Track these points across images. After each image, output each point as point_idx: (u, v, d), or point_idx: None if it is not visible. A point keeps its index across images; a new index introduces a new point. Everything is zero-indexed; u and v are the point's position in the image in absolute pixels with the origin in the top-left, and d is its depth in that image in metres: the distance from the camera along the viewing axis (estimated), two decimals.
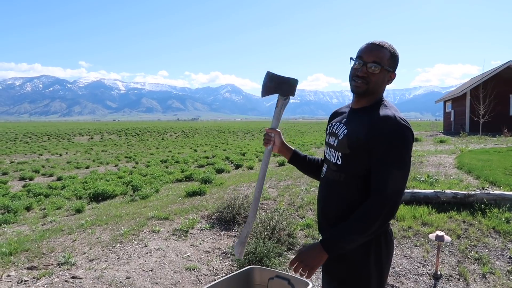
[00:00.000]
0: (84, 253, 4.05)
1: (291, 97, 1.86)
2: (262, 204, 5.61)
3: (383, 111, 1.53)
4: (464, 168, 7.41)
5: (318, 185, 1.82)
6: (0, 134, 49.99)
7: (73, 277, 3.43)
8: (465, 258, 3.87)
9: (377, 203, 1.42)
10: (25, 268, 3.69)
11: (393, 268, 3.73)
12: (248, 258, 3.65)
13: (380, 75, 1.56)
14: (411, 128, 1.49)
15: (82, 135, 50.43)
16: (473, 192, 5.02)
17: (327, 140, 1.76)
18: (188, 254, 4.06)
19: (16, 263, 3.80)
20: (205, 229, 4.78)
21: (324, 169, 1.74)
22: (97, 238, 4.57)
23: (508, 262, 3.77)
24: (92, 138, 46.19)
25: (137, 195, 8.39)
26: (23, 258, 3.94)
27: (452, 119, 27.95)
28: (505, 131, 18.77)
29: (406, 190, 5.29)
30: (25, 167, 17.39)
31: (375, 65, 1.54)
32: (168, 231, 4.70)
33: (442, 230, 4.22)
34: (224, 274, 3.68)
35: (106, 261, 3.83)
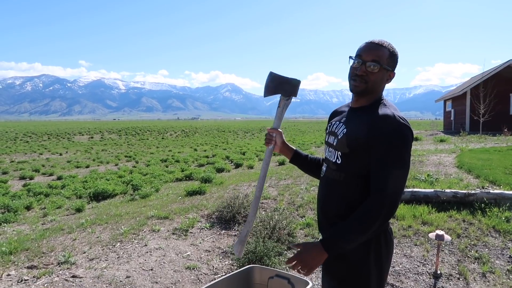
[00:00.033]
0: (84, 252, 4.05)
1: (293, 97, 1.87)
2: (262, 203, 5.61)
3: (382, 110, 1.52)
4: (464, 167, 7.41)
5: (318, 184, 1.82)
6: (0, 134, 50.00)
7: (73, 276, 3.43)
8: (465, 257, 3.87)
9: (377, 203, 1.42)
10: (25, 267, 3.69)
11: (393, 267, 3.73)
12: (248, 257, 3.65)
13: (379, 74, 1.56)
14: (410, 127, 1.49)
15: (82, 135, 50.43)
16: (473, 191, 5.01)
17: (326, 139, 1.76)
18: (188, 253, 4.06)
19: (16, 262, 3.80)
20: (205, 228, 4.78)
21: (324, 168, 1.74)
22: (97, 237, 4.57)
23: (508, 261, 3.77)
24: (92, 138, 46.19)
25: (137, 194, 8.40)
26: (23, 257, 3.94)
27: (452, 118, 27.95)
28: (505, 130, 18.76)
29: (406, 189, 5.30)
30: (25, 166, 17.39)
31: (374, 64, 1.54)
32: (168, 230, 4.70)
33: (442, 229, 4.22)
34: (224, 273, 3.69)
35: (106, 260, 3.83)
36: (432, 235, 3.56)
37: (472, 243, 4.10)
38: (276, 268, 3.43)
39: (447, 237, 3.49)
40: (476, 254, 3.89)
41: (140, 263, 3.77)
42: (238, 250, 1.79)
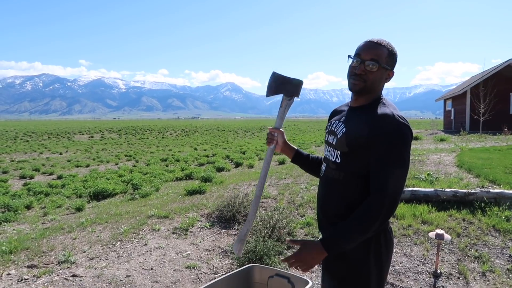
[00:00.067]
0: (84, 252, 4.06)
1: (295, 97, 1.87)
2: (262, 202, 5.61)
3: (381, 110, 1.52)
4: (464, 166, 7.41)
5: (318, 184, 1.82)
6: (1, 133, 50.00)
7: (73, 276, 3.43)
8: (465, 257, 3.87)
9: (377, 202, 1.42)
10: (25, 266, 3.70)
11: (393, 266, 3.74)
12: (248, 257, 3.65)
13: (378, 73, 1.56)
14: (409, 126, 1.49)
15: (82, 134, 50.43)
16: (473, 191, 5.01)
17: (326, 139, 1.76)
18: (188, 253, 4.07)
19: (16, 262, 3.80)
20: (205, 228, 4.79)
21: (323, 167, 1.74)
22: (97, 236, 4.57)
23: (508, 261, 3.77)
24: (92, 137, 46.20)
25: (137, 194, 8.40)
26: (23, 257, 3.95)
27: (452, 117, 27.94)
28: (505, 129, 18.76)
29: (406, 189, 5.30)
30: (25, 165, 17.40)
31: (372, 63, 1.54)
32: (168, 230, 4.70)
33: (442, 229, 4.23)
34: (224, 273, 3.69)
35: (106, 259, 3.84)
36: (432, 234, 3.56)
37: (472, 242, 4.10)
38: (276, 267, 3.43)
39: (447, 236, 3.49)
40: (476, 253, 3.89)
41: (140, 262, 3.77)
42: (237, 249, 1.79)
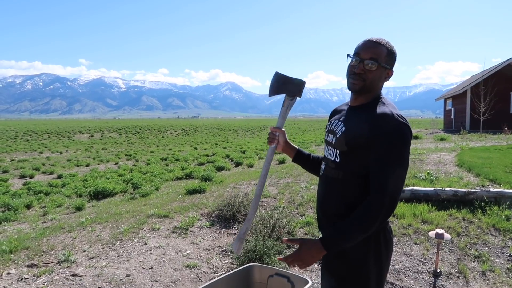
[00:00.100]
0: (84, 251, 4.06)
1: (297, 97, 1.88)
2: (262, 202, 5.61)
3: (380, 109, 1.52)
4: (464, 165, 7.40)
5: (318, 183, 1.82)
6: (1, 132, 50.01)
7: (73, 275, 3.44)
8: (464, 256, 3.87)
9: (377, 202, 1.42)
10: (25, 265, 3.70)
11: (393, 265, 3.74)
12: (247, 256, 3.65)
13: (377, 72, 1.56)
14: (409, 125, 1.49)
15: (83, 133, 50.43)
16: (473, 190, 5.01)
17: (326, 138, 1.76)
18: (188, 252, 4.07)
19: (16, 261, 3.80)
20: (205, 227, 4.79)
21: (323, 166, 1.74)
22: (97, 236, 4.57)
23: (508, 260, 3.77)
24: (92, 136, 46.20)
25: (137, 193, 8.40)
26: (23, 256, 3.95)
27: (452, 116, 27.93)
28: (506, 128, 18.76)
29: (406, 188, 5.30)
30: (25, 165, 17.41)
31: (372, 62, 1.54)
32: (168, 229, 4.70)
33: (442, 228, 4.23)
34: (224, 272, 3.69)
35: (106, 258, 3.84)
36: (432, 234, 3.56)
37: (472, 241, 4.10)
38: (276, 266, 3.43)
39: (447, 236, 3.49)
40: (476, 253, 3.89)
41: (140, 261, 3.77)
42: (236, 248, 1.79)
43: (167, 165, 15.69)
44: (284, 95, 1.88)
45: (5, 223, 6.42)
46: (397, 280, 3.52)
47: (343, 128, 1.60)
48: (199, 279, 3.55)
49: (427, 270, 3.66)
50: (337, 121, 1.69)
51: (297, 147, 1.97)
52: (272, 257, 3.67)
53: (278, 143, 1.88)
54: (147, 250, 4.04)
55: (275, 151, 1.90)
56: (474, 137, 16.39)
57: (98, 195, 8.79)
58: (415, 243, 4.14)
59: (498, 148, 10.77)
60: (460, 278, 3.53)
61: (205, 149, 24.19)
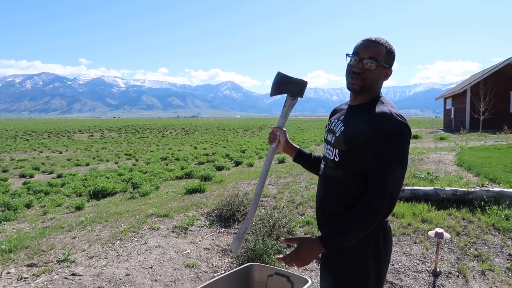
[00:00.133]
0: (84, 250, 4.06)
1: (298, 97, 1.88)
2: (262, 201, 5.61)
3: (380, 108, 1.52)
4: (464, 165, 7.40)
5: (317, 182, 1.82)
6: (0, 132, 49.99)
7: (72, 274, 3.43)
8: (464, 255, 3.88)
9: (377, 201, 1.42)
10: (25, 265, 3.70)
11: (392, 265, 3.74)
12: (247, 255, 3.65)
13: (376, 71, 1.56)
14: (408, 124, 1.49)
15: (82, 133, 50.41)
16: (472, 189, 5.01)
17: (325, 137, 1.77)
18: (187, 251, 4.07)
19: (16, 260, 3.80)
20: (205, 226, 4.79)
21: (322, 166, 1.74)
22: (97, 235, 4.57)
23: (507, 259, 3.77)
24: (92, 136, 46.19)
25: (137, 193, 8.40)
26: (23, 255, 3.95)
27: (452, 116, 27.93)
28: (505, 128, 18.77)
29: (406, 187, 5.30)
30: (25, 164, 17.40)
31: (371, 61, 1.54)
32: (167, 228, 4.70)
33: (441, 227, 4.23)
34: (223, 271, 3.69)
35: (105, 258, 3.84)
36: (431, 233, 3.56)
37: (472, 241, 4.11)
38: (276, 266, 3.43)
39: (447, 235, 3.50)
40: (476, 252, 3.89)
41: (139, 261, 3.77)
42: (235, 247, 1.79)
43: (166, 165, 15.69)
44: (286, 95, 1.88)
45: (5, 222, 6.41)
46: (397, 279, 3.53)
47: (342, 128, 1.60)
48: (199, 278, 3.55)
49: (426, 270, 3.66)
50: (336, 120, 1.69)
51: (298, 147, 1.97)
52: (272, 257, 3.67)
53: (279, 142, 1.88)
54: (146, 250, 4.04)
55: (276, 151, 1.90)
56: (474, 137, 16.39)
57: (98, 194, 8.79)
58: (415, 243, 4.14)
59: (497, 147, 10.77)
60: (460, 277, 3.53)
61: (205, 149, 24.19)
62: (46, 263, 3.74)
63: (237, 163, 14.47)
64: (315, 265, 3.74)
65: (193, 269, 3.69)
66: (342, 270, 1.58)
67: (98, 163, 17.94)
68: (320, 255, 1.70)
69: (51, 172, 14.63)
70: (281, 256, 1.59)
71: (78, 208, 7.32)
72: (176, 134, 50.21)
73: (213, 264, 3.84)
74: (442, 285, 3.44)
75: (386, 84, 1.67)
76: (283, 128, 1.89)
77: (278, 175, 7.66)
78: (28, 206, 8.03)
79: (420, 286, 3.44)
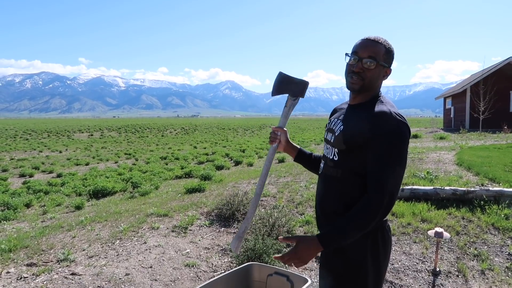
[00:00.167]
0: (84, 250, 4.06)
1: (300, 97, 1.89)
2: (261, 200, 5.61)
3: (379, 107, 1.52)
4: (463, 164, 7.41)
5: (317, 181, 1.83)
6: (0, 131, 49.96)
7: (72, 274, 3.43)
8: (464, 255, 3.88)
9: (376, 201, 1.42)
10: (24, 264, 3.70)
11: (392, 264, 3.74)
12: (247, 255, 3.65)
13: (376, 70, 1.56)
14: (407, 123, 1.49)
15: (82, 132, 50.39)
16: (472, 189, 5.01)
17: (325, 137, 1.77)
18: (187, 251, 4.07)
19: (15, 260, 3.80)
20: (205, 226, 4.79)
21: (322, 165, 1.74)
22: (97, 234, 4.57)
23: (507, 259, 3.77)
24: (92, 135, 46.17)
25: (136, 192, 8.40)
26: (23, 255, 3.95)
27: (452, 115, 27.94)
28: (505, 127, 18.78)
29: (405, 187, 5.31)
30: (25, 164, 17.39)
31: (370, 61, 1.54)
32: (167, 228, 4.70)
33: (441, 227, 4.23)
34: (223, 271, 3.69)
35: (105, 257, 3.84)
36: (431, 233, 3.56)
37: (471, 240, 4.11)
38: (275, 265, 3.43)
39: (446, 235, 3.50)
40: (475, 252, 3.89)
41: (139, 260, 3.77)
42: (235, 246, 1.78)
43: (166, 164, 15.69)
44: (287, 95, 1.88)
45: (5, 222, 6.41)
46: (397, 279, 3.53)
47: (342, 127, 1.60)
48: (199, 278, 3.55)
49: (426, 269, 3.66)
50: (336, 119, 1.69)
51: (298, 147, 1.97)
52: (272, 256, 3.67)
53: (279, 142, 1.88)
54: (146, 249, 4.04)
55: (277, 151, 1.90)
56: (474, 136, 16.40)
57: (98, 194, 8.79)
58: (415, 242, 4.14)
59: (497, 147, 10.77)
60: (459, 277, 3.54)
61: (205, 148, 24.19)
62: (46, 262, 3.74)
63: (237, 163, 14.47)
64: (315, 264, 3.74)
65: (193, 269, 3.69)
66: (342, 270, 1.58)
67: (97, 163, 17.94)
68: (319, 255, 1.70)
69: (50, 172, 14.63)
70: (279, 255, 1.59)
71: (78, 207, 7.32)
72: (176, 133, 50.20)
73: (212, 264, 3.84)
74: (442, 285, 3.44)
75: (386, 83, 1.67)
76: (284, 128, 1.89)
77: (278, 175, 7.66)
78: (27, 205, 8.02)
79: (419, 285, 3.44)
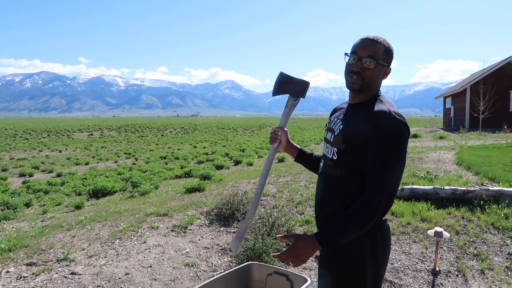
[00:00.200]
0: (83, 249, 4.06)
1: (301, 98, 1.89)
2: (261, 200, 5.61)
3: (378, 107, 1.52)
4: (463, 164, 7.41)
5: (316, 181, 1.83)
6: (0, 131, 49.94)
7: (72, 273, 3.43)
8: (463, 254, 3.88)
9: (375, 200, 1.42)
10: (24, 264, 3.70)
11: (392, 264, 3.74)
12: (246, 254, 3.65)
13: (375, 70, 1.56)
14: (406, 123, 1.49)
15: (82, 132, 50.38)
16: (472, 188, 5.02)
17: (325, 136, 1.77)
18: (187, 250, 4.07)
19: (15, 259, 3.80)
20: (204, 225, 4.79)
21: (321, 164, 1.75)
22: (96, 234, 4.57)
23: (507, 258, 3.78)
24: (91, 135, 46.16)
25: (136, 192, 8.40)
26: (22, 254, 3.95)
27: (452, 115, 27.94)
28: (505, 127, 18.79)
29: (405, 186, 5.31)
30: (24, 163, 17.39)
31: (370, 60, 1.54)
32: (167, 227, 4.70)
33: (441, 226, 4.23)
34: (223, 270, 3.69)
35: (105, 257, 3.84)
36: (431, 232, 3.56)
37: (471, 240, 4.11)
38: (275, 265, 3.43)
39: (446, 234, 3.50)
40: (475, 251, 3.89)
41: (139, 260, 3.77)
42: (235, 246, 1.78)
43: (166, 164, 15.68)
44: (288, 95, 1.88)
45: (4, 221, 6.41)
46: (396, 278, 3.53)
47: (341, 126, 1.60)
48: (198, 277, 3.55)
49: (426, 269, 3.66)
50: (336, 119, 1.69)
51: (299, 147, 1.97)
52: (271, 256, 3.67)
53: (280, 142, 1.88)
54: (146, 249, 4.04)
55: (277, 151, 1.90)
56: (474, 136, 16.40)
57: (97, 193, 8.79)
58: (414, 242, 4.14)
59: (497, 146, 10.78)
60: (459, 276, 3.54)
61: (205, 148, 24.19)
62: (46, 262, 3.74)
63: (237, 162, 14.47)
64: (314, 264, 3.74)
65: (193, 268, 3.69)
66: (341, 269, 1.58)
67: (97, 162, 17.93)
68: (319, 255, 1.70)
69: (50, 171, 14.63)
70: (277, 253, 1.59)
71: (78, 207, 7.32)
72: (176, 133, 50.20)
73: (212, 263, 3.84)
74: (442, 284, 3.44)
75: (385, 82, 1.67)
76: (285, 128, 1.89)
77: (277, 174, 7.66)
78: (27, 205, 8.02)
79: (419, 285, 3.44)
